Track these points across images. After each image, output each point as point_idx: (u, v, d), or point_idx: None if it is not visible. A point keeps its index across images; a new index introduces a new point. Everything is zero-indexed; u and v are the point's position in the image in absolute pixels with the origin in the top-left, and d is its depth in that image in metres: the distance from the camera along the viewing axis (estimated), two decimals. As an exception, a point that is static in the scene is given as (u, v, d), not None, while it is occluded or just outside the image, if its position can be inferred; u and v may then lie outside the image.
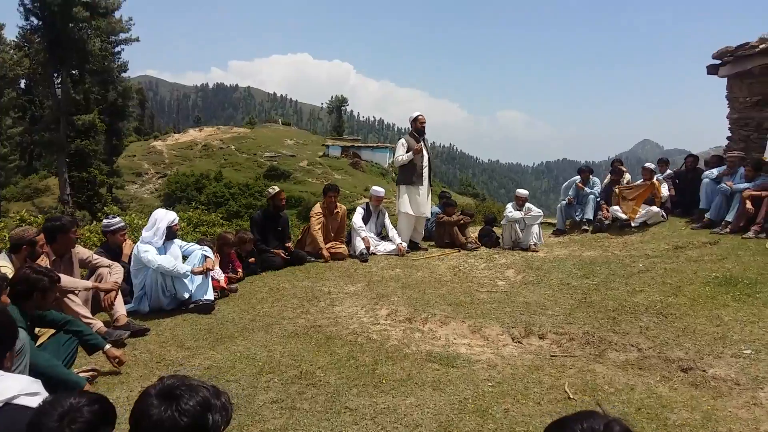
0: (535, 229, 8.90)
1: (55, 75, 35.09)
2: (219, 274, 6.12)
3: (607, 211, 9.89)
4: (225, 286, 6.14)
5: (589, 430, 1.32)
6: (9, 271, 4.20)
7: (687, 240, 8.04)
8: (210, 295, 5.60)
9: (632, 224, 9.34)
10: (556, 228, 10.55)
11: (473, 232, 9.82)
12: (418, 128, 8.87)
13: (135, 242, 5.85)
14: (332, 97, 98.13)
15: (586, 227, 10.08)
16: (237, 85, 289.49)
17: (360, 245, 8.13)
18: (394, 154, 9.29)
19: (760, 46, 8.91)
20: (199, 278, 5.59)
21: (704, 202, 9.05)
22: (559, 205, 10.78)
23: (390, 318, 5.31)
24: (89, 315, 4.72)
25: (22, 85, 42.24)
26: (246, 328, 5.01)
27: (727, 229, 8.13)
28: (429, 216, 9.25)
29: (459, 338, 4.81)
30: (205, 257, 5.73)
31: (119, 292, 5.04)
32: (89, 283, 4.95)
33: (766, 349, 4.14)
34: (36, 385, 2.18)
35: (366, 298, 6.00)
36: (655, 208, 9.31)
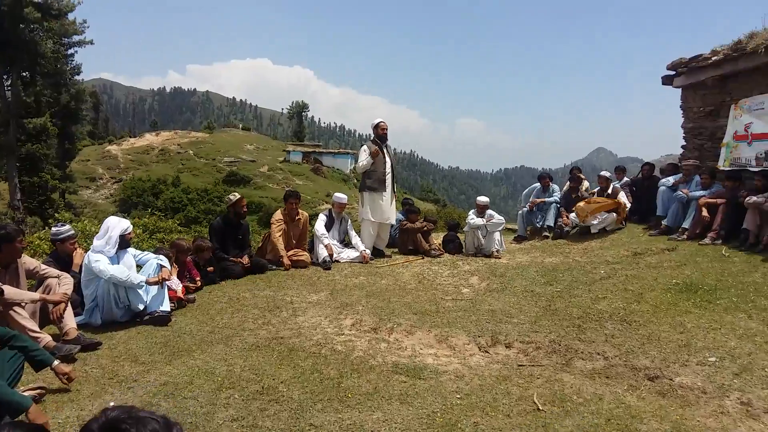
0: (497, 235, 8.92)
1: (5, 77, 33.83)
2: (176, 283, 5.89)
3: (567, 217, 10.00)
4: (182, 296, 5.90)
5: None
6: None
7: (645, 246, 8.16)
8: (166, 306, 5.37)
9: (591, 230, 9.44)
10: (518, 234, 10.61)
11: (436, 238, 9.78)
12: (380, 134, 8.80)
13: (87, 251, 5.58)
14: (293, 103, 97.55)
15: (546, 234, 10.17)
16: (195, 89, 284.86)
17: (323, 253, 7.99)
18: (355, 161, 9.19)
19: (713, 58, 9.13)
20: (154, 289, 5.36)
21: (661, 209, 9.22)
22: (520, 212, 10.86)
23: (355, 328, 5.18)
24: (37, 328, 4.46)
25: (-32, 88, 40.63)
26: (204, 340, 4.80)
27: (684, 236, 8.28)
28: (394, 222, 9.18)
29: (425, 348, 4.72)
30: (161, 266, 5.49)
31: (69, 304, 4.77)
32: (36, 295, 4.67)
33: (730, 356, 4.17)
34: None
35: (330, 307, 5.86)
36: (613, 215, 9.44)
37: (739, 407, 3.47)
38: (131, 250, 5.59)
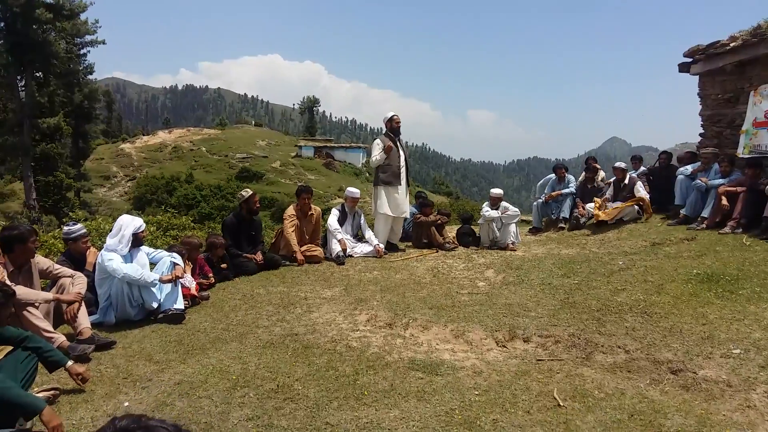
0: (513, 227, 8.81)
1: (19, 78, 34.12)
2: (189, 281, 5.87)
3: (583, 208, 9.87)
4: (196, 293, 5.88)
5: None
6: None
7: (664, 236, 8.02)
8: (180, 303, 5.35)
9: (608, 221, 9.31)
10: (533, 226, 10.50)
11: (450, 231, 9.69)
12: (393, 128, 8.73)
13: (101, 249, 5.56)
14: (304, 98, 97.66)
15: (562, 225, 10.04)
16: (207, 86, 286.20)
17: (336, 248, 7.94)
18: (367, 155, 9.12)
19: (731, 44, 8.94)
20: (168, 286, 5.33)
21: (679, 199, 9.06)
22: (535, 203, 10.73)
23: (370, 324, 5.12)
24: (51, 329, 4.44)
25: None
26: (219, 338, 4.77)
27: (704, 225, 8.13)
28: (408, 216, 9.10)
29: (442, 344, 4.64)
30: (175, 264, 5.46)
31: (83, 304, 4.75)
32: (50, 295, 4.66)
33: (755, 347, 4.05)
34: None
35: (344, 303, 5.81)
36: (634, 207, 9.31)
37: (767, 401, 3.36)
38: (144, 249, 5.57)
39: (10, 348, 3.64)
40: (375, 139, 9.02)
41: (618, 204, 9.41)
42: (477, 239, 9.16)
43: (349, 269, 7.39)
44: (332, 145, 75.89)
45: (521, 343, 4.59)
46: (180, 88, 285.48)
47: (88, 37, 38.58)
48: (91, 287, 5.30)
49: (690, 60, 10.12)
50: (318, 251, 7.92)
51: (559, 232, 9.82)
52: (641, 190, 9.43)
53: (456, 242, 9.02)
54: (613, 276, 6.25)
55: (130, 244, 5.27)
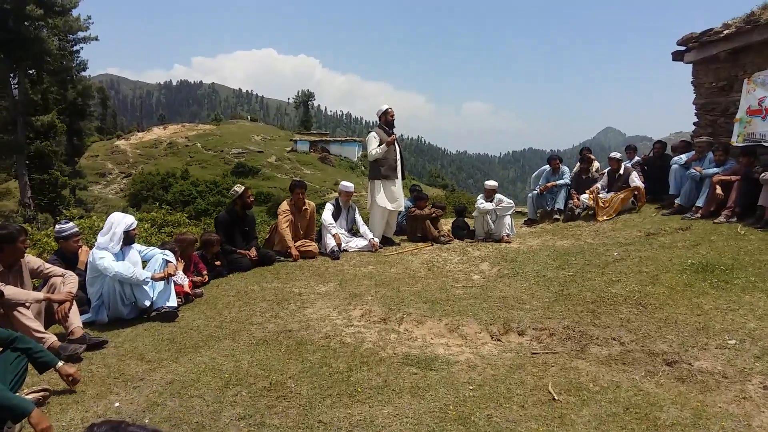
0: (507, 219, 8.78)
1: (12, 75, 33.91)
2: (182, 278, 5.82)
3: (578, 199, 9.85)
4: (189, 291, 5.84)
5: None
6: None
7: (659, 226, 8.00)
8: (173, 301, 5.31)
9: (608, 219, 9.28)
10: (528, 218, 10.48)
11: (445, 224, 9.66)
12: (388, 121, 8.68)
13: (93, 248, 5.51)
14: (298, 92, 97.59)
15: (557, 216, 10.02)
16: (201, 81, 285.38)
17: (331, 242, 7.90)
18: (363, 149, 9.07)
19: (725, 32, 8.90)
20: (160, 284, 5.29)
21: (674, 188, 9.05)
22: (530, 195, 10.70)
23: (364, 319, 5.09)
24: (41, 329, 4.40)
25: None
26: (212, 336, 4.74)
27: (698, 215, 8.13)
28: (403, 209, 9.07)
29: (436, 338, 4.62)
30: (167, 262, 5.42)
31: (74, 303, 4.70)
32: (40, 295, 4.61)
33: (750, 338, 4.04)
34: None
35: (338, 298, 5.77)
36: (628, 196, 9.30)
37: (762, 392, 3.35)
38: (136, 246, 5.52)
39: (0, 349, 3.61)
40: (370, 132, 8.95)
41: (611, 195, 9.38)
42: (471, 232, 9.13)
43: (344, 264, 7.35)
44: (327, 139, 75.77)
45: (516, 337, 4.57)
46: (174, 83, 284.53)
47: (80, 34, 38.38)
48: (83, 286, 5.27)
49: (684, 48, 10.08)
50: (312, 246, 7.87)
51: (554, 224, 9.80)
52: (636, 180, 9.41)
53: (451, 235, 8.99)
54: (608, 267, 6.23)
55: (121, 242, 5.22)
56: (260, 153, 65.68)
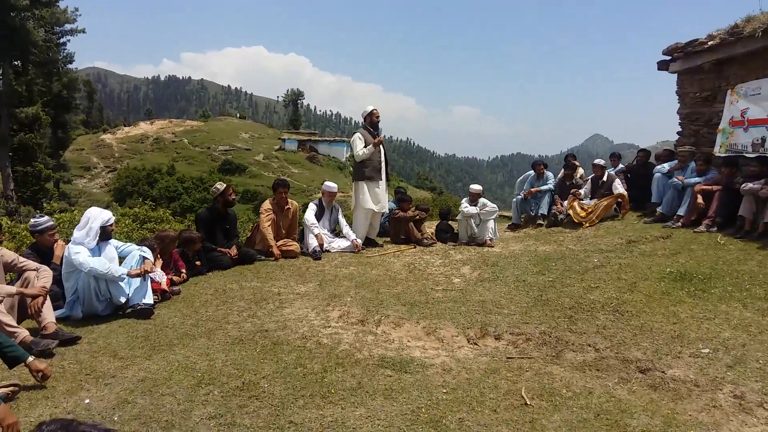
0: (491, 224, 8.81)
1: (-4, 66, 33.48)
2: (160, 275, 5.76)
3: (561, 205, 9.90)
4: (167, 288, 5.78)
5: None
6: None
7: (640, 234, 8.05)
8: (149, 298, 5.25)
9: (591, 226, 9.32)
10: (512, 222, 10.51)
11: (429, 227, 9.67)
12: (373, 122, 8.67)
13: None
14: (288, 91, 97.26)
15: (540, 222, 10.06)
16: (190, 77, 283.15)
17: (313, 242, 7.87)
18: (350, 150, 9.02)
19: (709, 43, 8.99)
20: (137, 281, 5.23)
21: (656, 196, 9.13)
22: (514, 200, 10.74)
23: (342, 320, 5.07)
24: (13, 323, 4.34)
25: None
26: (187, 334, 4.69)
27: (679, 223, 8.19)
28: (387, 211, 9.06)
29: (413, 341, 4.61)
30: (144, 258, 5.36)
31: (47, 298, 4.65)
32: (13, 289, 4.54)
33: (724, 347, 4.07)
34: None
35: (317, 298, 5.75)
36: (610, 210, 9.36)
37: (732, 401, 3.37)
38: (113, 242, 5.46)
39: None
40: (354, 133, 8.92)
41: (595, 201, 9.43)
42: (455, 235, 9.14)
43: (325, 264, 7.33)
44: (316, 138, 75.64)
45: (492, 341, 4.57)
46: (162, 78, 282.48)
47: (67, 26, 37.94)
48: (58, 281, 5.20)
49: (669, 58, 10.17)
50: (294, 246, 7.84)
51: (537, 229, 9.84)
52: (619, 187, 9.47)
53: (434, 238, 8.99)
54: (588, 273, 6.26)
55: (97, 237, 5.16)
56: (248, 151, 65.41)
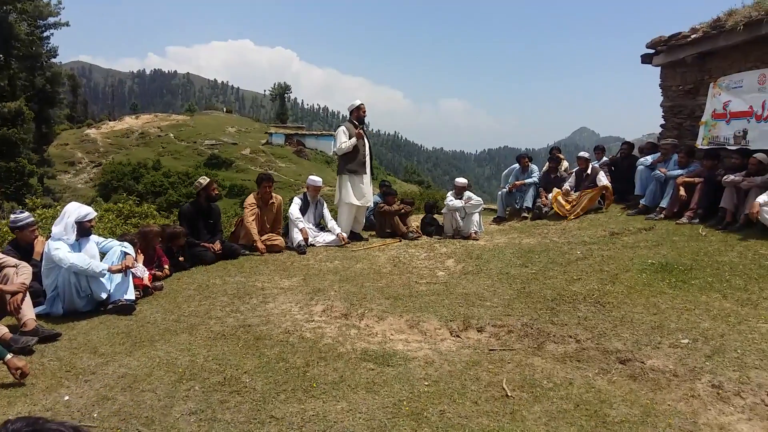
0: (476, 217, 8.83)
1: (-23, 61, 33.09)
2: (142, 271, 5.72)
3: (546, 198, 9.94)
4: (149, 284, 5.74)
5: None
6: None
7: (623, 226, 8.11)
8: (131, 294, 5.21)
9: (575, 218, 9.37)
10: (497, 215, 10.54)
11: (415, 220, 9.68)
12: (360, 117, 8.66)
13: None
14: (275, 84, 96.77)
15: (525, 214, 10.10)
16: (176, 71, 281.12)
17: (298, 237, 7.85)
18: (335, 143, 8.97)
19: (692, 36, 9.04)
20: (118, 277, 5.19)
21: (639, 189, 9.19)
22: (499, 193, 10.78)
23: (325, 314, 5.07)
24: (-8, 320, 4.30)
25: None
26: (168, 329, 4.66)
27: (662, 215, 8.25)
28: (371, 205, 9.06)
29: (396, 334, 4.62)
30: (125, 254, 5.32)
31: (27, 294, 4.60)
32: (-8, 286, 4.49)
33: (703, 337, 4.11)
34: None
35: (301, 293, 5.74)
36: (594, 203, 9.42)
37: (710, 390, 3.41)
38: (94, 238, 5.40)
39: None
40: (339, 126, 8.89)
41: (579, 193, 9.47)
42: (440, 228, 9.16)
43: (310, 259, 7.31)
44: (303, 132, 75.41)
45: (475, 333, 4.59)
46: (148, 72, 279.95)
47: (51, 19, 37.64)
48: (38, 277, 5.15)
49: (652, 51, 10.22)
50: (279, 240, 7.81)
51: (522, 222, 9.88)
52: (603, 179, 9.52)
53: (419, 232, 9.00)
54: (570, 266, 6.30)
55: (75, 233, 5.10)
56: (234, 145, 65.05)
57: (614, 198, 9.59)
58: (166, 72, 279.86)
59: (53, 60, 40.85)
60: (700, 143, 8.92)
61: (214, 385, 3.57)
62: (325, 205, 8.69)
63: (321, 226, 8.57)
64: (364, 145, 8.60)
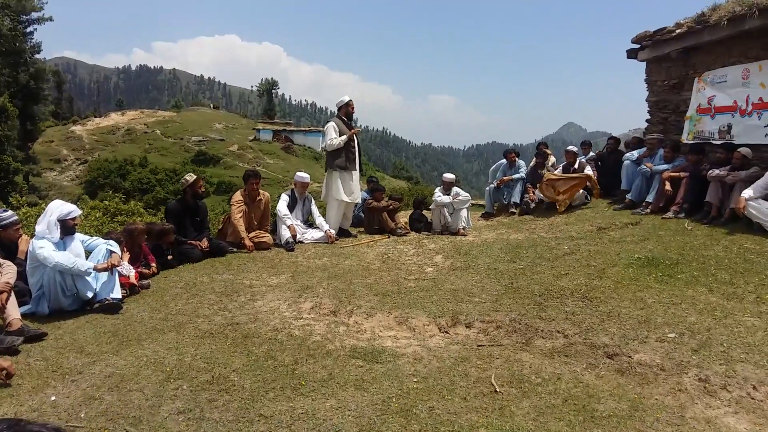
0: (464, 213, 8.84)
1: (-41, 56, 32.65)
2: (128, 269, 5.67)
3: (533, 193, 9.98)
4: (135, 282, 5.69)
5: None
6: None
7: (610, 221, 8.16)
8: (117, 293, 5.16)
9: (564, 206, 9.40)
10: (485, 211, 10.56)
11: (404, 216, 9.68)
12: (348, 113, 8.64)
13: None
14: (262, 80, 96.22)
15: (513, 210, 10.13)
16: (162, 67, 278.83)
17: (286, 234, 7.82)
18: (324, 139, 8.94)
19: (677, 31, 9.09)
20: (104, 275, 5.14)
21: (625, 183, 9.25)
22: (487, 188, 10.80)
23: (314, 311, 5.05)
24: (-23, 321, 4.25)
25: None
26: (156, 328, 4.63)
27: (648, 210, 8.30)
28: (359, 201, 9.04)
29: (385, 330, 4.62)
30: (111, 252, 5.27)
31: (12, 294, 4.54)
32: (-24, 286, 4.44)
33: (689, 331, 4.14)
34: None
35: (290, 290, 5.72)
36: (581, 191, 9.44)
37: (697, 384, 3.44)
38: (79, 236, 5.35)
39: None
40: (328, 122, 8.85)
41: (565, 176, 9.48)
42: (429, 224, 9.17)
43: (298, 256, 7.29)
44: (291, 128, 75.13)
45: (463, 329, 4.60)
46: (134, 68, 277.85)
47: (34, 14, 37.24)
48: (23, 276, 5.09)
49: (638, 46, 10.28)
50: (267, 237, 7.78)
51: (509, 217, 9.90)
52: (589, 172, 9.57)
53: (408, 228, 9.00)
54: (558, 261, 6.33)
55: (59, 231, 5.04)
56: (222, 141, 64.72)
57: (601, 193, 9.64)
58: (152, 68, 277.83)
59: (37, 56, 40.49)
60: (686, 138, 8.99)
61: (203, 384, 3.55)
62: (314, 201, 8.66)
63: (309, 223, 8.54)
64: (353, 141, 8.58)
